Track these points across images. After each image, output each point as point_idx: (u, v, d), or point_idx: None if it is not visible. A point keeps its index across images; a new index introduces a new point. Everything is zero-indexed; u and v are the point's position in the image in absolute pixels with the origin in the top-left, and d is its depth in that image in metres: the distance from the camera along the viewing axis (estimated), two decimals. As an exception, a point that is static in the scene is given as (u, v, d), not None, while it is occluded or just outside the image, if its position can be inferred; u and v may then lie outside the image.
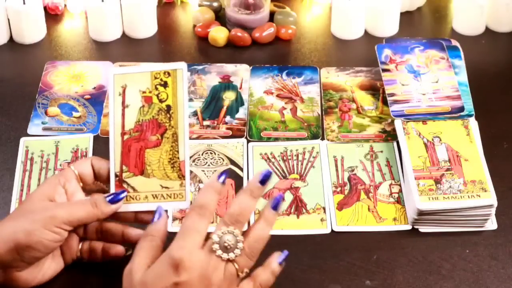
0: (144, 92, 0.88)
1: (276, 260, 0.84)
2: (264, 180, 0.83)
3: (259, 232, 0.82)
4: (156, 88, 0.88)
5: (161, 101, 0.88)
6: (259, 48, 1.27)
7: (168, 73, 0.88)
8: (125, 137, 0.88)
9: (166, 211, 0.86)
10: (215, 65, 1.22)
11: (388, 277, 0.93)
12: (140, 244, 0.82)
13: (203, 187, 0.84)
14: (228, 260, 0.80)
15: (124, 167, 0.88)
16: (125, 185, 0.88)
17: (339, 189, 1.03)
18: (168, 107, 0.88)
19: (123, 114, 0.88)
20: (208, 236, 0.80)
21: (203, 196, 0.82)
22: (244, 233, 0.82)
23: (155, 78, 0.88)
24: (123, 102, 0.88)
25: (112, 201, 0.86)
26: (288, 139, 1.10)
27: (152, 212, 0.86)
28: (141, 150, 0.88)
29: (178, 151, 0.87)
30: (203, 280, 0.78)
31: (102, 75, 1.20)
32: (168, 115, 0.87)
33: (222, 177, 0.83)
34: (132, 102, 0.88)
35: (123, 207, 0.88)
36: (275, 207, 0.83)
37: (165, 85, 0.88)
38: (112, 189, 0.88)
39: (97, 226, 0.89)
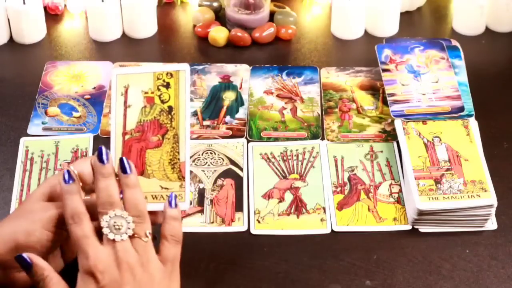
0: (146, 93, 0.88)
1: (167, 206, 0.84)
2: (101, 157, 0.82)
3: (129, 195, 0.81)
4: (159, 89, 0.88)
5: (163, 102, 0.88)
6: (259, 48, 1.27)
7: (171, 74, 0.88)
8: (126, 137, 0.88)
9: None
10: (215, 65, 1.22)
11: (388, 277, 0.93)
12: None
13: (63, 198, 0.82)
14: (129, 237, 0.80)
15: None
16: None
17: (339, 189, 1.03)
18: (170, 108, 0.88)
19: (124, 114, 0.88)
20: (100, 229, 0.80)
21: (68, 206, 0.81)
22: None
23: (158, 79, 0.88)
24: (125, 102, 0.88)
25: None
26: (288, 139, 1.10)
27: (152, 213, 0.86)
28: (142, 151, 0.88)
29: (178, 152, 0.87)
30: (123, 269, 0.78)
31: (102, 75, 1.20)
32: (170, 116, 0.87)
33: (66, 175, 0.82)
34: (134, 103, 0.88)
35: None
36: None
37: (167, 86, 0.88)
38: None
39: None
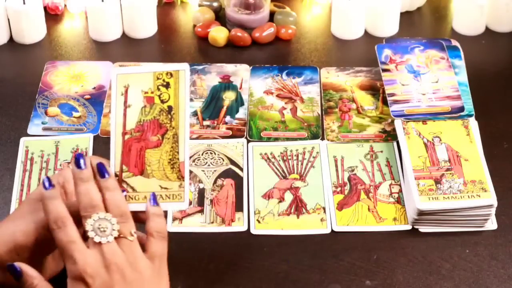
0: (146, 93, 0.88)
1: (149, 205, 0.84)
2: (78, 162, 0.82)
3: (110, 197, 0.82)
4: (158, 89, 0.88)
5: (162, 101, 0.88)
6: (259, 48, 1.27)
7: (171, 74, 0.88)
8: (126, 137, 0.88)
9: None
10: (215, 65, 1.22)
11: (388, 277, 0.93)
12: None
13: (43, 204, 0.81)
14: (115, 238, 0.80)
15: (124, 167, 0.88)
16: (124, 185, 0.87)
17: (339, 189, 1.03)
18: (170, 107, 0.88)
19: (124, 114, 0.88)
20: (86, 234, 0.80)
21: (51, 211, 0.80)
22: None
23: (158, 78, 0.88)
24: (125, 102, 0.88)
25: None
26: (288, 139, 1.10)
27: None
28: (141, 150, 0.88)
29: (178, 152, 0.87)
30: (112, 271, 0.78)
31: (102, 75, 1.20)
32: (169, 116, 0.87)
33: (46, 182, 0.82)
34: (134, 102, 0.88)
35: None
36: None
37: (167, 86, 0.88)
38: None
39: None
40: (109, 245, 0.79)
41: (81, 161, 0.82)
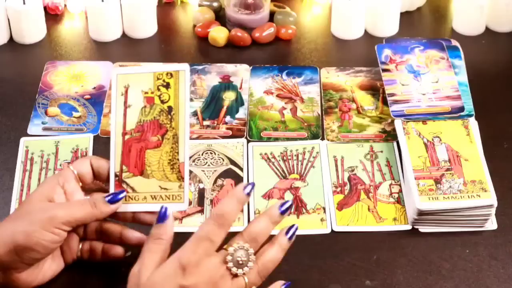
0: (146, 93, 0.88)
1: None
2: (284, 211, 0.84)
3: (273, 254, 0.83)
4: (158, 89, 0.88)
5: (162, 102, 0.88)
6: (259, 48, 1.27)
7: (171, 74, 0.88)
8: (126, 137, 0.88)
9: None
10: (215, 65, 1.22)
11: (388, 277, 0.93)
12: (147, 245, 0.82)
13: (228, 195, 0.83)
14: (237, 275, 0.80)
15: (124, 167, 0.88)
16: (124, 185, 0.88)
17: (339, 189, 1.03)
18: (170, 108, 0.88)
19: (124, 114, 0.88)
20: (221, 247, 0.81)
21: (226, 205, 0.82)
22: (257, 253, 0.83)
23: (158, 79, 0.88)
24: (125, 102, 0.88)
25: (111, 201, 0.86)
26: (288, 139, 1.10)
27: (151, 213, 0.86)
28: (141, 151, 0.88)
29: (178, 153, 0.87)
30: (208, 285, 0.79)
31: (102, 75, 1.20)
32: (169, 116, 0.87)
33: (249, 187, 0.83)
34: (134, 103, 0.88)
35: (122, 207, 0.88)
36: (290, 236, 0.85)
37: (167, 86, 0.88)
38: (112, 189, 0.88)
39: (97, 226, 0.89)
40: (227, 272, 0.80)
41: (288, 211, 0.85)
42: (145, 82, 0.89)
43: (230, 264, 0.80)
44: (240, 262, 0.80)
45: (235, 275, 0.80)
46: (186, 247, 0.80)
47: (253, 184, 0.83)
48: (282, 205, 0.84)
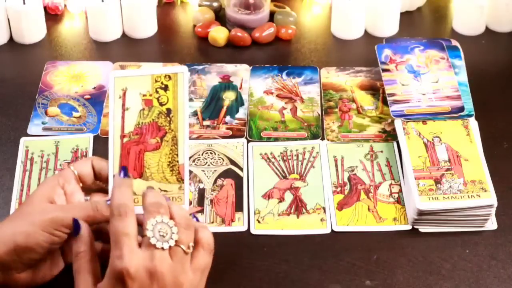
0: (144, 95, 0.88)
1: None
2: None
3: (177, 208, 0.81)
4: (157, 91, 0.88)
5: (161, 104, 0.88)
6: (259, 48, 1.27)
7: (169, 77, 0.88)
8: (125, 139, 0.88)
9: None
10: (215, 65, 1.22)
11: (388, 277, 0.93)
12: (75, 267, 0.80)
13: (113, 189, 0.82)
14: (170, 246, 0.78)
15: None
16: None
17: (339, 189, 1.03)
18: (168, 110, 0.88)
19: (123, 117, 0.88)
20: (143, 233, 0.79)
21: (117, 197, 0.80)
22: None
23: (156, 81, 0.88)
24: (123, 105, 0.88)
25: None
26: (288, 139, 1.10)
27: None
28: (140, 153, 0.88)
29: (177, 155, 0.87)
30: (153, 277, 0.77)
31: (102, 75, 1.20)
32: (168, 119, 0.87)
33: (121, 173, 0.84)
34: (132, 105, 0.88)
35: None
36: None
37: (165, 88, 0.88)
38: (111, 191, 0.88)
39: (96, 226, 0.89)
40: (162, 252, 0.78)
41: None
42: (143, 84, 0.88)
43: (159, 244, 0.77)
44: (163, 234, 0.78)
45: (168, 249, 0.78)
46: (112, 255, 0.78)
47: (124, 168, 0.84)
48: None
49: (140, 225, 0.82)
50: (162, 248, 0.78)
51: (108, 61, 1.23)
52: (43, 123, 1.12)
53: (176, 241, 0.79)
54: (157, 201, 0.80)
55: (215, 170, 1.05)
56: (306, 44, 1.27)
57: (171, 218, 0.80)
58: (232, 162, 1.06)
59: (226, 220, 1.00)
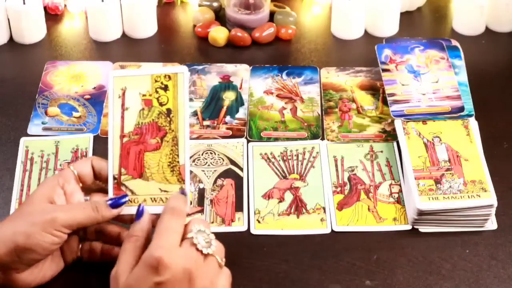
0: (144, 95, 0.88)
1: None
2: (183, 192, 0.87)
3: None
4: (157, 91, 0.88)
5: (161, 104, 0.88)
6: (259, 48, 1.27)
7: (169, 77, 0.88)
8: (124, 139, 0.88)
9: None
10: (215, 65, 1.22)
11: (388, 277, 0.93)
12: (124, 246, 0.82)
13: (171, 196, 0.85)
14: (208, 254, 0.80)
15: (122, 170, 0.88)
16: (123, 188, 0.87)
17: (339, 189, 1.03)
18: (169, 110, 0.88)
19: (122, 117, 0.88)
20: (184, 237, 0.81)
21: (174, 200, 0.84)
22: None
23: (156, 81, 0.88)
24: (122, 105, 0.88)
25: (113, 206, 0.86)
26: (288, 139, 1.10)
27: (150, 215, 0.86)
28: (140, 153, 0.88)
29: (178, 155, 0.87)
30: (185, 276, 0.78)
31: (102, 75, 1.20)
32: (168, 119, 0.87)
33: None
34: (132, 105, 0.88)
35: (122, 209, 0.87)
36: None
37: (165, 88, 0.88)
38: (111, 192, 0.88)
39: (96, 226, 0.89)
40: (200, 256, 0.80)
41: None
42: (143, 84, 0.88)
43: (199, 246, 0.80)
44: (206, 241, 0.80)
45: (206, 255, 0.80)
46: (153, 244, 0.79)
47: (182, 191, 0.86)
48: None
49: (154, 226, 0.83)
50: (202, 252, 0.79)
51: (108, 61, 1.23)
52: (43, 123, 1.12)
53: (214, 251, 0.80)
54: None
55: (215, 170, 1.05)
56: (306, 44, 1.27)
57: None
58: (232, 162, 1.07)
59: (226, 220, 1.00)
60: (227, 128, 1.12)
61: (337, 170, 1.05)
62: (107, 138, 0.89)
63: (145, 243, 0.82)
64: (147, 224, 0.84)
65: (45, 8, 1.31)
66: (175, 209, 0.82)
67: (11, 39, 1.28)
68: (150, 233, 0.84)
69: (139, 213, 0.85)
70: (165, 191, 0.86)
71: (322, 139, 1.10)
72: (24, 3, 1.24)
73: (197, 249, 0.79)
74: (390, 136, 1.10)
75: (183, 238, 0.80)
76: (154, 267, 0.77)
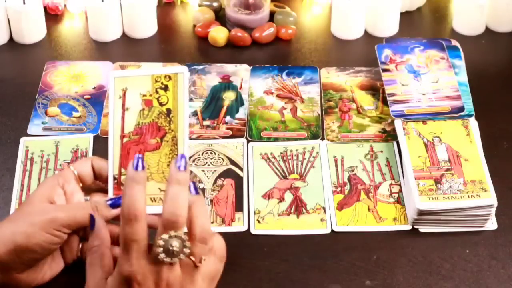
0: (144, 96, 0.88)
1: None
2: (181, 166, 0.78)
3: (198, 214, 0.78)
4: (157, 92, 0.88)
5: (161, 104, 0.88)
6: (259, 48, 1.27)
7: (169, 77, 0.88)
8: (124, 140, 0.88)
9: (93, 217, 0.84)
10: (215, 65, 1.22)
11: (388, 277, 0.93)
12: (87, 261, 0.81)
13: (124, 185, 0.78)
14: (180, 259, 0.77)
15: (122, 170, 0.88)
16: (123, 188, 0.87)
17: (339, 189, 1.03)
18: (168, 110, 0.88)
19: (122, 117, 0.88)
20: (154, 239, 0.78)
21: (128, 198, 0.77)
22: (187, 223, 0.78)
23: (156, 81, 0.88)
24: (123, 105, 0.88)
25: (113, 206, 0.86)
26: (288, 139, 1.10)
27: (150, 215, 0.86)
28: (140, 153, 0.87)
29: (177, 155, 0.87)
30: (161, 285, 0.77)
31: (102, 75, 1.20)
32: (168, 119, 0.87)
33: (136, 162, 0.78)
34: (132, 105, 0.88)
35: None
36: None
37: (165, 88, 0.88)
38: (111, 192, 0.88)
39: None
40: (171, 265, 0.77)
41: (182, 161, 0.78)
42: (143, 84, 0.88)
43: (163, 257, 0.76)
44: (173, 251, 0.75)
45: (171, 264, 0.76)
46: (120, 259, 0.77)
47: (139, 157, 0.78)
48: (179, 160, 0.78)
49: (151, 227, 0.81)
50: (170, 264, 0.76)
51: (108, 61, 1.23)
52: (43, 123, 1.12)
53: (188, 254, 0.77)
54: (174, 212, 0.76)
55: (215, 170, 1.05)
56: (306, 44, 1.27)
57: (190, 229, 0.78)
58: (232, 162, 1.07)
59: (226, 220, 1.00)
60: (227, 128, 1.12)
61: (337, 170, 1.05)
62: (107, 138, 0.89)
63: (106, 250, 0.81)
64: (102, 230, 0.82)
65: (45, 8, 1.31)
66: (130, 213, 0.76)
67: (11, 39, 1.28)
68: (108, 238, 0.82)
69: (92, 223, 0.83)
70: (164, 191, 0.86)
71: (322, 139, 1.10)
72: (24, 3, 1.24)
73: (164, 263, 0.76)
74: (390, 136, 1.10)
75: (153, 244, 0.77)
76: (127, 283, 0.76)
